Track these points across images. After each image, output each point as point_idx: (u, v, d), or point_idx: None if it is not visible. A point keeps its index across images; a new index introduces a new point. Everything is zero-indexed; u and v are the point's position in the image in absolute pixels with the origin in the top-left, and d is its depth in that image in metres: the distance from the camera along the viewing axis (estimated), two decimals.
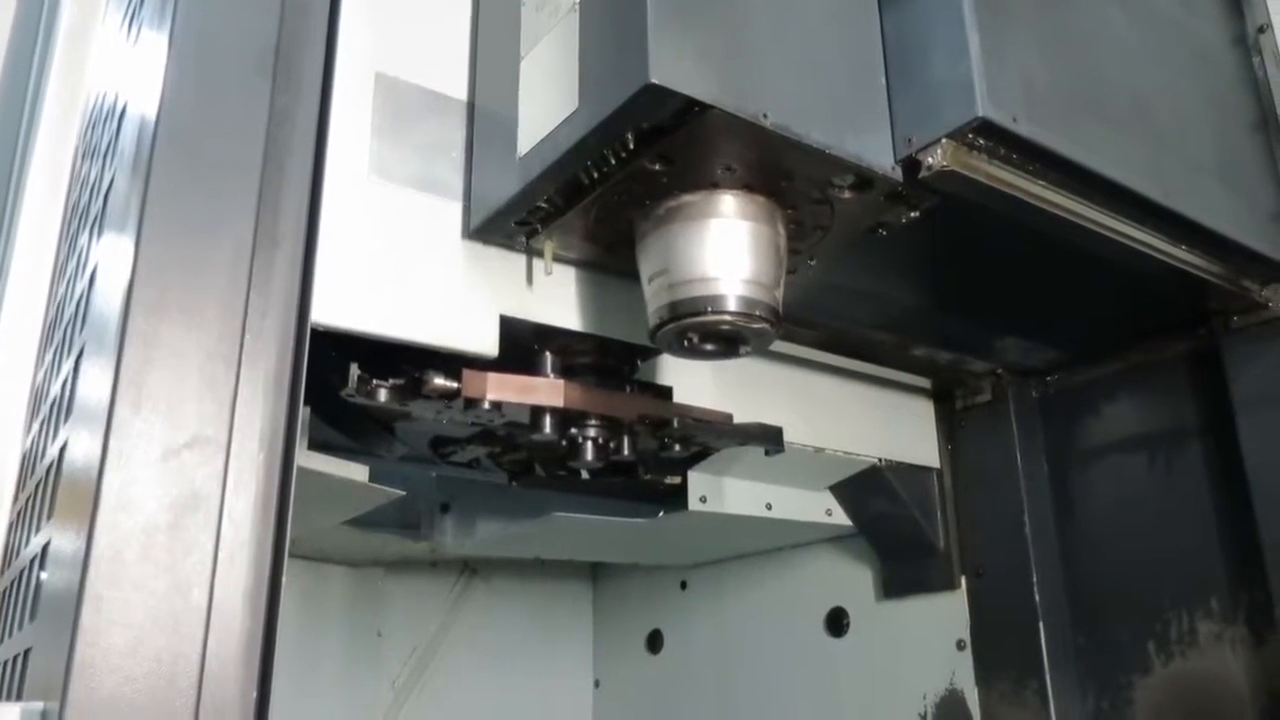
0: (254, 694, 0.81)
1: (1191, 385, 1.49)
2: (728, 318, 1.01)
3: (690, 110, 0.90)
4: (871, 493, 1.71)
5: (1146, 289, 1.36)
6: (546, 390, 1.18)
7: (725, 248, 1.01)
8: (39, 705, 0.78)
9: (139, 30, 1.20)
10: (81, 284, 1.16)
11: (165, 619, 0.78)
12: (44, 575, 1.00)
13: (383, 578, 2.20)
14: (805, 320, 1.41)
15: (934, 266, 1.32)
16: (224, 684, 0.79)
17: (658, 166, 0.97)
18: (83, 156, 1.13)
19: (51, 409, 1.17)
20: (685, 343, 1.05)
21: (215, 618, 0.80)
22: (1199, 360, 1.47)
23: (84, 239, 1.23)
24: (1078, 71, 1.12)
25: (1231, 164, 1.31)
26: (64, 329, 1.15)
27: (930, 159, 0.98)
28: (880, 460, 1.68)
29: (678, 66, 0.87)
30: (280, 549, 0.86)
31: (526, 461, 1.48)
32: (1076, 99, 1.10)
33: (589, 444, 1.26)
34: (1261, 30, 1.41)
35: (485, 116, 1.13)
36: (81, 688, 0.73)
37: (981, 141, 0.99)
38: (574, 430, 1.26)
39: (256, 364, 0.88)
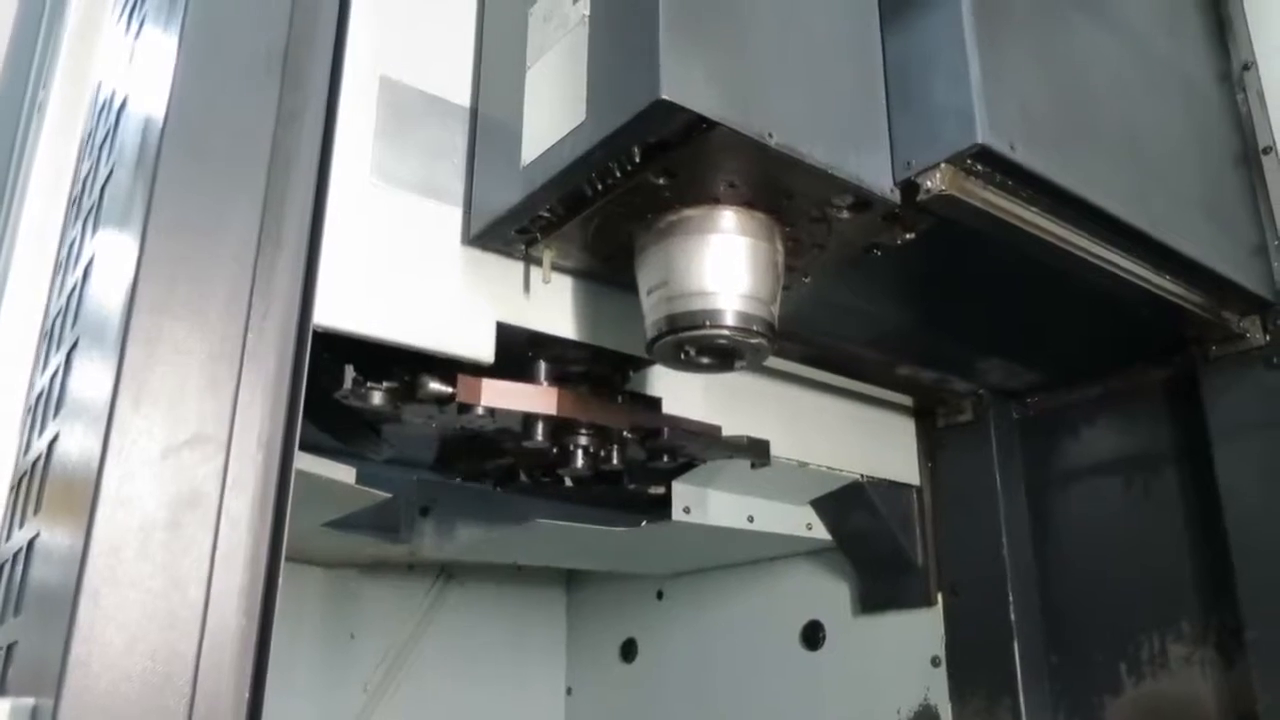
0: (246, 694, 0.81)
1: (1169, 411, 1.52)
2: (725, 332, 1.02)
3: (697, 127, 0.91)
4: (852, 508, 1.73)
5: (1129, 316, 1.39)
6: (540, 397, 1.19)
7: (725, 263, 1.03)
8: (29, 701, 0.78)
9: (141, 23, 1.19)
10: (74, 276, 1.15)
11: (162, 617, 0.78)
12: (30, 570, 0.99)
13: (358, 579, 2.19)
14: (794, 335, 1.42)
15: (923, 287, 1.34)
16: (218, 683, 0.79)
17: (661, 180, 0.98)
18: (86, 149, 1.12)
19: (39, 403, 1.16)
20: (682, 355, 1.06)
21: (211, 617, 0.80)
22: (1177, 387, 1.50)
23: (76, 231, 1.22)
24: (1073, 101, 1.15)
25: (1215, 197, 1.34)
26: (54, 321, 1.14)
27: (929, 183, 1.00)
28: (862, 476, 1.70)
29: (688, 83, 0.88)
30: (277, 549, 0.86)
31: (512, 467, 1.49)
32: (1071, 128, 1.12)
33: (579, 452, 1.27)
34: (1246, 67, 1.45)
35: (488, 124, 1.13)
36: (77, 684, 0.73)
37: (979, 167, 1.01)
38: (565, 439, 1.27)
39: (258, 364, 0.88)
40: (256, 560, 0.84)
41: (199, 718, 0.77)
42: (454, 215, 1.14)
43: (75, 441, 0.91)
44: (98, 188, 1.18)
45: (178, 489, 0.81)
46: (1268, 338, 1.37)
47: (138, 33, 1.21)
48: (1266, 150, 1.41)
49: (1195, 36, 1.44)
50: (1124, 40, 1.28)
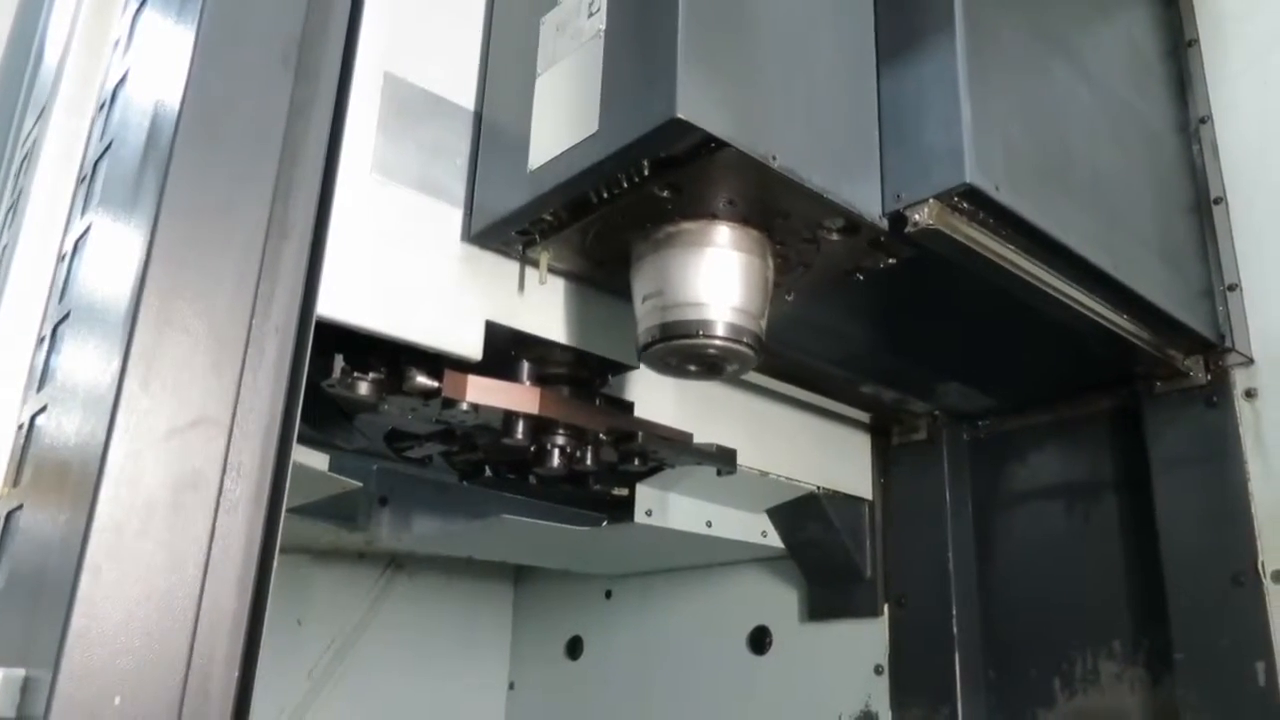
0: (237, 673, 0.83)
1: (1112, 441, 1.60)
2: (716, 342, 1.06)
3: (706, 146, 0.95)
4: (806, 518, 1.79)
5: (1083, 349, 1.46)
6: (523, 396, 1.22)
7: (719, 276, 1.06)
8: (20, 671, 0.78)
9: (142, 1, 1.19)
10: (63, 248, 1.14)
11: (160, 595, 0.79)
12: (8, 542, 0.99)
13: (308, 565, 2.19)
14: (768, 349, 1.47)
15: (895, 311, 1.39)
16: (211, 662, 0.81)
17: (665, 194, 1.02)
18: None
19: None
20: (672, 362, 1.10)
21: (207, 597, 0.82)
22: (1122, 419, 1.58)
23: (65, 198, 1.20)
24: (1050, 146, 1.21)
25: (1169, 242, 1.41)
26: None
27: (917, 216, 1.05)
28: (818, 488, 1.75)
29: (701, 105, 0.91)
30: (272, 533, 0.87)
31: (479, 462, 1.50)
32: (1048, 172, 1.18)
33: (555, 452, 1.30)
34: (1203, 121, 1.53)
35: (493, 126, 1.15)
36: (77, 656, 0.74)
37: (964, 205, 1.07)
38: (542, 438, 1.29)
39: (262, 350, 0.89)
40: (251, 543, 0.86)
41: (191, 694, 0.79)
42: (450, 213, 1.15)
43: (71, 417, 0.91)
44: (90, 161, 1.17)
45: (180, 470, 0.82)
46: (1209, 377, 1.45)
47: (137, 10, 1.20)
48: (1217, 200, 1.49)
49: (1158, 89, 1.52)
50: (1094, 89, 1.34)
